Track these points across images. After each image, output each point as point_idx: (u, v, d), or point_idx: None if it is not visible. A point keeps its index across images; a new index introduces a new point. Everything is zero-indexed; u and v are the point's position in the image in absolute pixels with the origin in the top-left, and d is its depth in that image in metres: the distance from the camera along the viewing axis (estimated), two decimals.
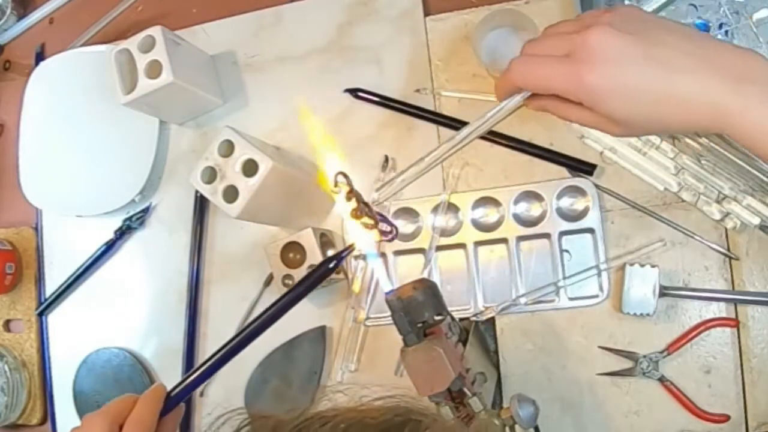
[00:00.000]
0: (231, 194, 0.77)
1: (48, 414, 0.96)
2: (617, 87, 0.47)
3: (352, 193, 0.57)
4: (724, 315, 0.74)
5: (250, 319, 0.88)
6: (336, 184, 0.57)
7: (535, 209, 0.80)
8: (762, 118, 0.45)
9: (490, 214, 0.82)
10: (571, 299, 0.78)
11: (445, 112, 0.84)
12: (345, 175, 0.57)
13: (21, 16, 1.04)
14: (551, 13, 0.81)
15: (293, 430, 0.41)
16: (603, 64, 0.47)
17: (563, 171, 0.79)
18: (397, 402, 0.44)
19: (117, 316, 0.93)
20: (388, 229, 0.59)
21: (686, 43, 0.47)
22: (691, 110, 0.47)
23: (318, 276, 0.56)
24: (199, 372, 0.56)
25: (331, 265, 0.56)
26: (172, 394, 0.55)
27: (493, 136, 0.80)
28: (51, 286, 0.96)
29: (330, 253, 0.83)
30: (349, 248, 0.58)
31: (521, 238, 0.80)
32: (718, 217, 0.74)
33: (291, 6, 0.91)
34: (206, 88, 0.89)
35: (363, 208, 0.57)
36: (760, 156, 0.48)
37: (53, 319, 0.96)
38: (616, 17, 0.48)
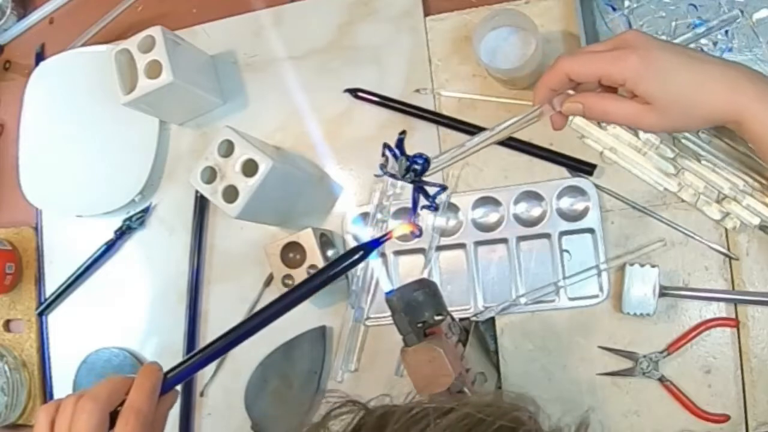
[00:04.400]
0: (231, 194, 0.77)
1: None
2: (654, 66, 0.54)
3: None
4: (724, 315, 0.74)
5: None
6: (384, 155, 0.56)
7: (535, 209, 0.80)
8: None
9: (490, 214, 0.82)
10: (571, 299, 0.78)
11: (445, 112, 0.84)
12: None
13: (21, 16, 1.04)
14: (551, 13, 0.81)
15: (408, 420, 0.40)
16: (642, 49, 0.54)
17: (563, 171, 0.79)
18: (506, 401, 0.44)
19: (117, 316, 0.94)
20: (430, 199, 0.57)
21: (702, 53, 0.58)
22: (713, 92, 0.54)
23: (351, 262, 0.54)
24: (201, 355, 0.53)
25: (357, 256, 0.54)
26: (169, 376, 0.53)
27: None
28: (51, 286, 0.96)
29: (330, 253, 0.83)
30: (387, 235, 0.56)
31: (521, 238, 0.80)
32: (718, 217, 0.74)
33: (291, 6, 0.91)
34: (206, 88, 0.89)
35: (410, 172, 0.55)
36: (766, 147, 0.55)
37: (53, 319, 0.96)
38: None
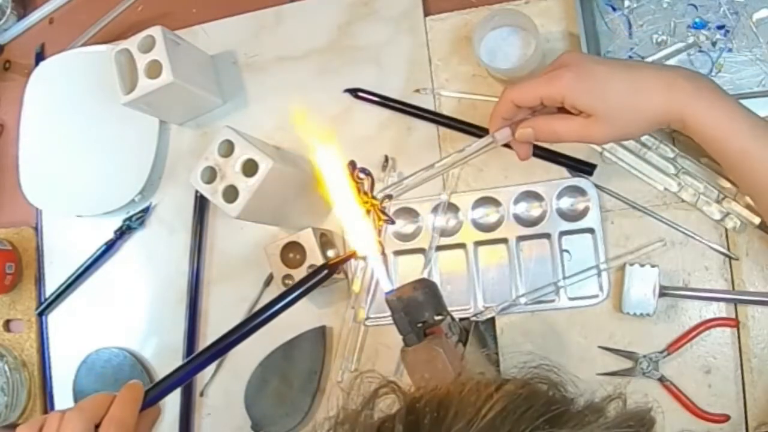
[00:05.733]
0: (231, 194, 0.77)
1: None
2: (588, 79, 0.57)
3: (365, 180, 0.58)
4: (724, 315, 0.74)
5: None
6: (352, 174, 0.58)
7: (535, 209, 0.80)
8: (714, 102, 0.56)
9: (490, 214, 0.82)
10: (571, 299, 0.78)
11: (445, 112, 0.84)
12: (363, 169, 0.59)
13: (21, 16, 1.04)
14: (551, 13, 0.81)
15: (469, 392, 0.40)
16: (577, 66, 0.58)
17: (563, 171, 0.79)
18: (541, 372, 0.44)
19: (117, 316, 0.93)
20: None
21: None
22: (651, 94, 0.56)
23: (314, 282, 0.57)
24: (179, 373, 0.56)
25: (323, 274, 0.57)
26: (150, 392, 0.55)
27: None
28: (51, 286, 0.96)
29: (330, 253, 0.83)
30: (349, 256, 0.59)
31: (521, 238, 0.80)
32: (718, 217, 0.74)
33: (291, 6, 0.91)
34: (206, 88, 0.89)
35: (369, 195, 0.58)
36: (712, 146, 0.58)
37: (53, 319, 0.96)
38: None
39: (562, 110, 0.60)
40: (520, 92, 0.60)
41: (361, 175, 0.58)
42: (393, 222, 0.62)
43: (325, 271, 0.57)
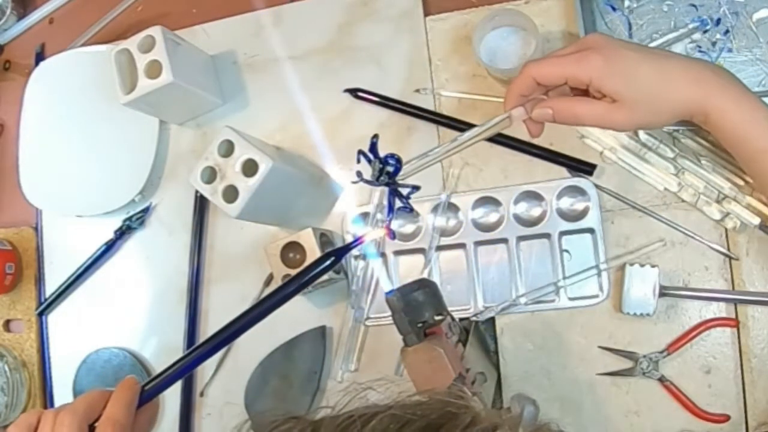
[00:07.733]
0: (231, 194, 0.77)
1: None
2: (618, 64, 0.56)
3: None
4: (724, 315, 0.74)
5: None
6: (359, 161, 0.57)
7: (535, 209, 0.80)
8: (740, 100, 0.56)
9: (490, 214, 0.82)
10: (571, 299, 0.78)
11: (445, 112, 0.84)
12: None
13: (21, 16, 1.04)
14: (551, 13, 0.81)
15: (335, 430, 0.40)
16: (605, 49, 0.57)
17: (563, 171, 0.79)
18: (435, 397, 0.43)
19: (117, 316, 0.94)
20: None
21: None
22: (678, 86, 0.56)
23: (320, 269, 0.54)
24: (177, 367, 0.54)
25: (329, 262, 0.54)
26: (147, 388, 0.53)
27: (493, 136, 0.80)
28: (51, 286, 0.96)
29: None
30: (359, 240, 0.57)
31: (521, 238, 0.80)
32: (718, 217, 0.74)
33: (291, 6, 0.91)
34: (206, 88, 0.89)
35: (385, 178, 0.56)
36: (733, 143, 0.58)
37: (53, 319, 0.96)
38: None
39: (576, 93, 0.59)
40: (545, 68, 0.58)
41: (390, 162, 0.56)
42: (411, 210, 0.59)
43: (332, 258, 0.54)
